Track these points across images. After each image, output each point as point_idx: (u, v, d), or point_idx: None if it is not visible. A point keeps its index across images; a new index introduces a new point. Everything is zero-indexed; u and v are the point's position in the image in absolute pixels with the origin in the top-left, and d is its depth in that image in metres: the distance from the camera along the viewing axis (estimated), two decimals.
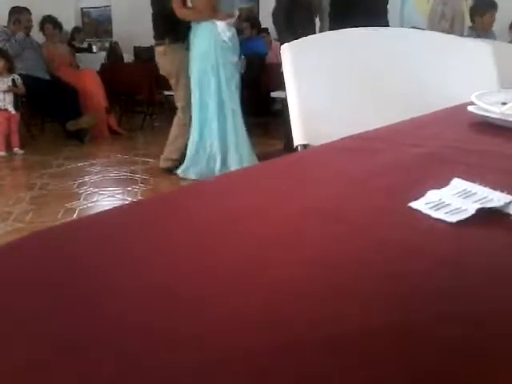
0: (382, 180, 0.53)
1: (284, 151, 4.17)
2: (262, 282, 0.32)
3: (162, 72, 3.80)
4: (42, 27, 5.64)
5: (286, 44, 1.14)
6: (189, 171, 3.59)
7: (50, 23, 5.63)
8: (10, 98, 4.52)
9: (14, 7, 5.36)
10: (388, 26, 4.18)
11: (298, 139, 1.07)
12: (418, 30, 1.55)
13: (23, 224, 2.83)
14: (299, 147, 1.06)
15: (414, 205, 0.43)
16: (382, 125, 1.09)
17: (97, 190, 3.48)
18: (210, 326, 0.27)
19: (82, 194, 3.39)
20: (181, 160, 3.69)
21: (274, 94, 4.79)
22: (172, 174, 3.70)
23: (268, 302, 0.30)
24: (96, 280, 0.32)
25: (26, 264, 0.35)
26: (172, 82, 3.74)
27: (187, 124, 3.70)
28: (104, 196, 3.36)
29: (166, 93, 5.37)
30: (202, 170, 3.54)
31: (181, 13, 3.47)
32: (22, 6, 5.42)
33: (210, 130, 3.57)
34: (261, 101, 5.71)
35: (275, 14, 3.91)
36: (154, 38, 3.76)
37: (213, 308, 0.29)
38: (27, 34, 5.25)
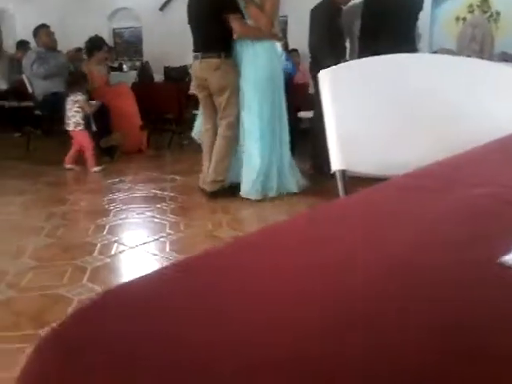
0: (453, 226, 0.48)
1: (311, 172, 4.17)
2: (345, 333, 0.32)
3: (213, 86, 3.59)
4: (90, 51, 5.69)
5: (324, 70, 1.15)
6: (251, 192, 3.58)
7: (101, 50, 5.70)
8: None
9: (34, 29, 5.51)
10: (416, 48, 4.20)
11: (335, 164, 1.07)
12: (456, 57, 1.55)
13: (54, 239, 2.88)
14: (337, 173, 1.07)
15: (506, 260, 0.37)
16: (420, 151, 1.08)
17: (126, 206, 3.53)
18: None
19: (111, 210, 3.44)
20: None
21: (301, 114, 4.81)
22: (217, 197, 3.61)
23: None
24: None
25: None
26: (224, 97, 3.58)
27: (235, 141, 3.69)
28: (133, 213, 3.40)
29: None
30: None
31: (244, 30, 3.52)
32: (55, 27, 5.62)
33: (276, 152, 3.65)
34: (288, 120, 5.74)
35: (317, 42, 3.97)
36: (204, 51, 3.58)
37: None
38: (49, 47, 5.41)
